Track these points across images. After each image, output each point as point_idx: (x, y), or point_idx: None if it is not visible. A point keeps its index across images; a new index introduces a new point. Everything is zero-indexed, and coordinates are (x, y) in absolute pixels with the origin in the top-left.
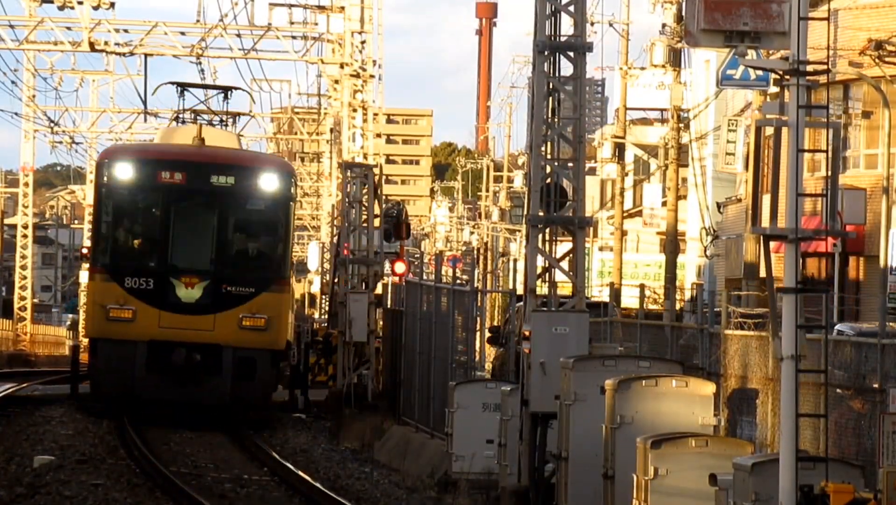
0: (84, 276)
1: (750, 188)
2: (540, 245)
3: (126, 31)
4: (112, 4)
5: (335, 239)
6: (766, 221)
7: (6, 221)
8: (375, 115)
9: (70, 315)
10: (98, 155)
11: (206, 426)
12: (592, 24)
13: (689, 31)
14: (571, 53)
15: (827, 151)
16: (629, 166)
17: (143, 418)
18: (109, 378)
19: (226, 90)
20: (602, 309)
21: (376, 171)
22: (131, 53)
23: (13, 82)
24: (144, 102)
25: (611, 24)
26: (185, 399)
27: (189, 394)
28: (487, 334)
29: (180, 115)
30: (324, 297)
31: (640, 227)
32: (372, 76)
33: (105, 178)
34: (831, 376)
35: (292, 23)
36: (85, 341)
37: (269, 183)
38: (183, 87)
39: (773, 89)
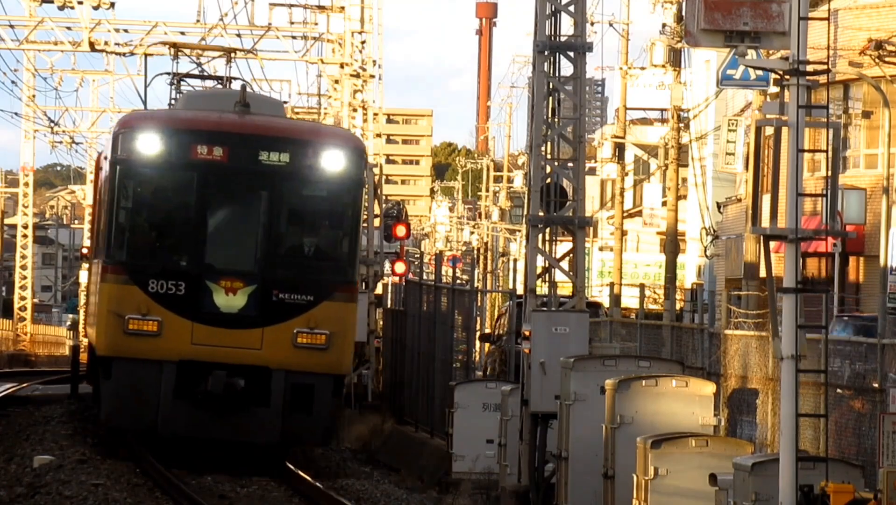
0: (84, 276)
1: (750, 188)
2: (540, 245)
3: (126, 31)
4: (112, 4)
5: None
6: (766, 221)
7: (6, 221)
8: (375, 115)
9: (70, 315)
10: (115, 124)
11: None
12: (592, 24)
13: (689, 31)
14: (571, 53)
15: (827, 151)
16: (629, 166)
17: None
18: (127, 408)
19: (228, 53)
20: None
21: (376, 171)
22: (131, 53)
23: (13, 82)
24: (144, 103)
25: (611, 24)
26: (224, 436)
27: (229, 430)
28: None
29: (174, 81)
30: None
31: (640, 227)
32: (372, 76)
33: (123, 153)
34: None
35: (292, 23)
36: (85, 342)
37: (333, 162)
38: (177, 47)
39: (773, 89)
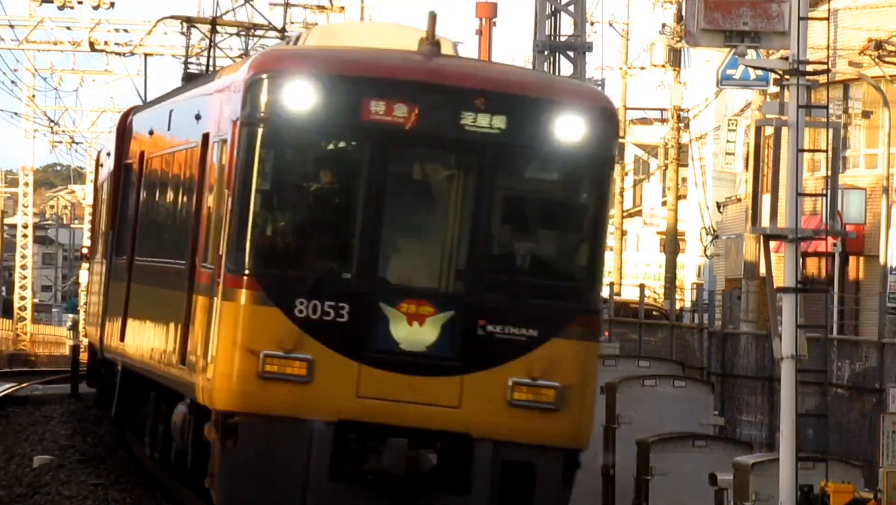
0: (84, 276)
1: (750, 188)
2: None
3: (126, 30)
4: (112, 4)
5: None
6: (766, 221)
7: (6, 221)
8: None
9: (70, 315)
10: (248, 68)
11: None
12: (592, 24)
13: (689, 30)
14: (571, 53)
15: (827, 151)
16: (629, 166)
17: None
18: (260, 491)
19: None
20: None
21: None
22: (131, 53)
23: (13, 82)
24: (144, 102)
25: (611, 24)
26: None
27: None
28: None
29: (194, 25)
30: None
31: (640, 227)
32: None
33: (260, 110)
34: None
35: (292, 22)
36: (85, 341)
37: (573, 130)
38: None
39: (773, 89)
